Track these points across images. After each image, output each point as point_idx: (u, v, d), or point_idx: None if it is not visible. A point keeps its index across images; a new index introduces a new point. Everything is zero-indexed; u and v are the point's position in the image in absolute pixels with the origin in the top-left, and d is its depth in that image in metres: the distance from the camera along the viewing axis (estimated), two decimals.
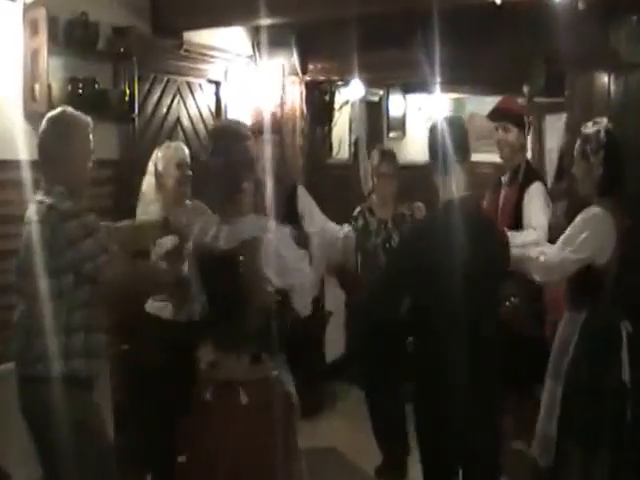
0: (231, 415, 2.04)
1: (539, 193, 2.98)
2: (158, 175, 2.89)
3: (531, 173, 3.12)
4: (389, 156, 3.43)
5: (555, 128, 4.30)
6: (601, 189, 2.51)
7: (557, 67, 3.62)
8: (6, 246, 2.83)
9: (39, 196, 2.24)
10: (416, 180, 3.61)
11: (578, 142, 2.58)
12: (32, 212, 2.22)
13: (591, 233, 2.45)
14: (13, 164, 2.88)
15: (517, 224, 2.96)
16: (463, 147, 2.26)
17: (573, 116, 3.60)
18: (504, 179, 3.14)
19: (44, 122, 2.29)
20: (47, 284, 2.12)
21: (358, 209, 3.51)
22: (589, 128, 2.55)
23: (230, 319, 2.10)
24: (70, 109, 2.33)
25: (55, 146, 2.25)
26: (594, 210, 2.49)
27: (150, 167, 2.93)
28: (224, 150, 2.14)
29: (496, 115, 3.14)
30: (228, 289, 2.11)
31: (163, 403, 2.59)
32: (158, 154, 2.92)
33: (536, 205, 2.95)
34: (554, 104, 4.16)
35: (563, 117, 3.69)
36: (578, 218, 2.51)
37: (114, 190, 3.36)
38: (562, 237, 2.52)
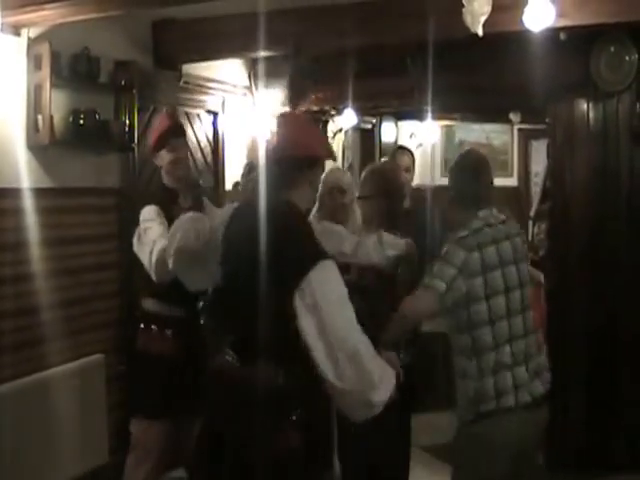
0: None
1: None
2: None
3: None
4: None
5: (540, 153, 4.43)
6: None
7: (540, 95, 3.76)
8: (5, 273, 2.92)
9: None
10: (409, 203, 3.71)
11: None
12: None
13: None
14: (15, 192, 2.97)
15: None
16: None
17: (554, 142, 3.75)
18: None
19: None
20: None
21: None
22: None
23: None
24: None
25: None
26: None
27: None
28: None
29: None
30: None
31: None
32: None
33: None
34: (539, 131, 4.31)
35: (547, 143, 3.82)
36: None
37: (116, 218, 3.45)
38: None
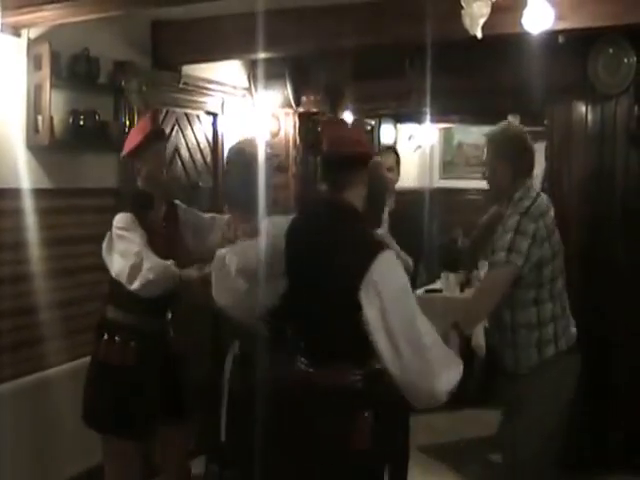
0: None
1: None
2: None
3: None
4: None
5: (538, 156, 4.43)
6: None
7: (538, 97, 3.77)
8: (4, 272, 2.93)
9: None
10: (407, 204, 3.71)
11: None
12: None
13: None
14: (14, 192, 2.98)
15: None
16: None
17: (552, 144, 3.76)
18: None
19: None
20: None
21: None
22: None
23: None
24: None
25: None
26: None
27: None
28: None
29: None
30: None
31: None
32: None
33: None
34: (537, 132, 4.31)
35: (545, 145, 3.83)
36: None
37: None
38: None
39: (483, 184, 3.48)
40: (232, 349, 2.49)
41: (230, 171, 2.45)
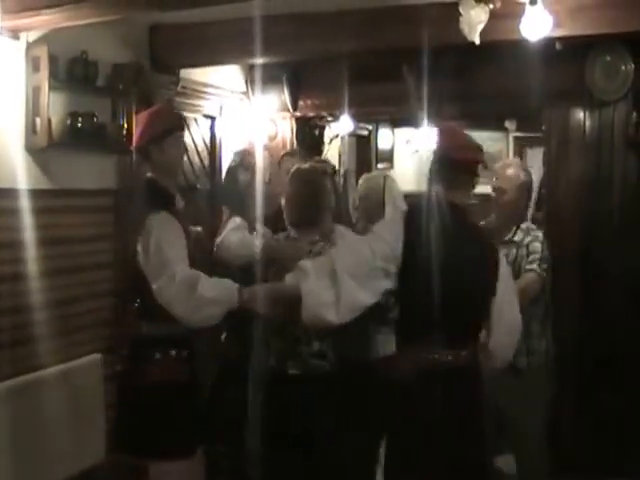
0: None
1: None
2: None
3: None
4: None
5: (535, 161, 4.46)
6: None
7: (535, 104, 3.78)
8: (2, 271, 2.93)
9: None
10: None
11: None
12: None
13: None
14: (13, 193, 2.98)
15: None
16: None
17: (550, 150, 3.77)
18: None
19: None
20: None
21: None
22: None
23: None
24: None
25: None
26: None
27: None
28: None
29: None
30: None
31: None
32: None
33: None
34: (534, 138, 4.33)
35: (542, 151, 3.84)
36: None
37: (113, 218, 3.45)
38: None
39: (480, 188, 3.49)
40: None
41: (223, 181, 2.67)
